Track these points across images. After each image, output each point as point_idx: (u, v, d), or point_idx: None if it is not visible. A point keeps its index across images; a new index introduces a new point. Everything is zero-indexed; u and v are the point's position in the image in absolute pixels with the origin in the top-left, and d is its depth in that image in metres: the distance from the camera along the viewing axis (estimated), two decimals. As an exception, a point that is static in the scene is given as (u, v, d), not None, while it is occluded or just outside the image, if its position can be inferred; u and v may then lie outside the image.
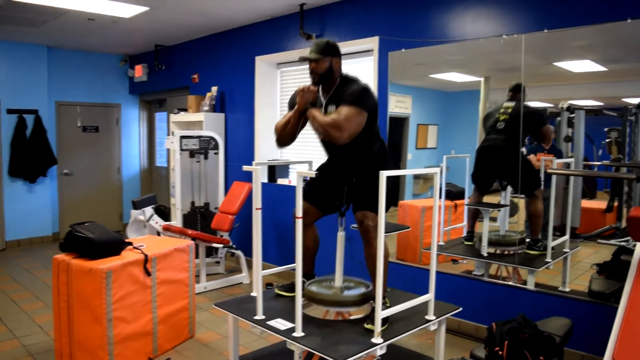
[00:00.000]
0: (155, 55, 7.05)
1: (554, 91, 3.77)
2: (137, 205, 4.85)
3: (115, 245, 3.19)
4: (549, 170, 3.68)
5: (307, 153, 5.48)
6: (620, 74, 3.61)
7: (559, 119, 3.82)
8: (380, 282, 2.51)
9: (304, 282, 3.23)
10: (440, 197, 4.38)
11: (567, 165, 3.85)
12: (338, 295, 3.02)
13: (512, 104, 3.88)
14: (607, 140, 3.74)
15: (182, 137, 5.30)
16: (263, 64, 5.62)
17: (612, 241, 3.83)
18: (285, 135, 2.94)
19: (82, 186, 7.67)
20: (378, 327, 2.56)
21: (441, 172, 2.87)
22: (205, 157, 5.57)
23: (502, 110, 3.92)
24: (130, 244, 3.34)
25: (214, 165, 5.67)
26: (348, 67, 4.97)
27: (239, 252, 5.23)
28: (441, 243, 4.42)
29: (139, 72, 7.38)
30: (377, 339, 2.56)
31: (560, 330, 2.87)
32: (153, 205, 5.01)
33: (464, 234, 4.41)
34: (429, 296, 2.90)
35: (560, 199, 3.91)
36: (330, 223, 3.22)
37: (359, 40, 4.55)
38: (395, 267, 4.27)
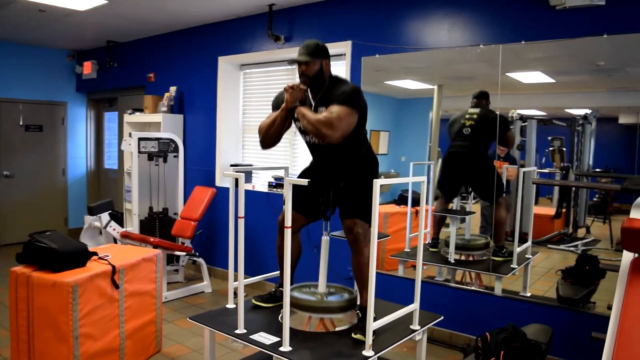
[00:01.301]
0: (107, 51, 6.70)
1: (504, 100, 3.82)
2: (93, 210, 4.56)
3: (80, 255, 2.95)
4: (533, 180, 3.74)
5: (272, 158, 5.35)
6: (567, 86, 3.77)
7: (511, 127, 3.90)
8: (372, 293, 2.44)
9: (282, 293, 3.14)
10: (406, 204, 4.40)
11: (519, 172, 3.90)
12: (323, 302, 2.93)
13: (476, 110, 3.94)
14: (551, 148, 3.90)
15: (141, 139, 5.04)
16: (226, 64, 5.44)
17: (562, 246, 3.98)
18: (271, 135, 2.81)
19: (25, 189, 7.17)
20: (369, 339, 2.48)
21: (428, 180, 2.90)
22: (165, 161, 5.33)
23: (467, 117, 3.96)
24: (95, 254, 3.11)
25: (174, 169, 5.44)
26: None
27: (200, 260, 5.03)
28: (407, 250, 4.41)
29: (88, 69, 7.00)
30: (368, 352, 2.48)
31: (544, 338, 2.90)
32: (109, 211, 4.72)
33: (428, 241, 4.41)
34: (414, 306, 2.86)
35: (513, 206, 3.97)
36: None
37: (330, 44, 4.39)
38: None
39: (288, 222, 2.44)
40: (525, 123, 3.93)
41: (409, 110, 4.65)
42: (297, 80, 2.83)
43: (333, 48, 4.46)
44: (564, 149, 3.87)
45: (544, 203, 4.07)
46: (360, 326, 2.69)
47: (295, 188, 2.86)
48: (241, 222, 2.72)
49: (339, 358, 2.44)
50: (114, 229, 4.68)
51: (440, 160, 4.32)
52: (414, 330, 2.83)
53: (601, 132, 3.65)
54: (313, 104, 2.78)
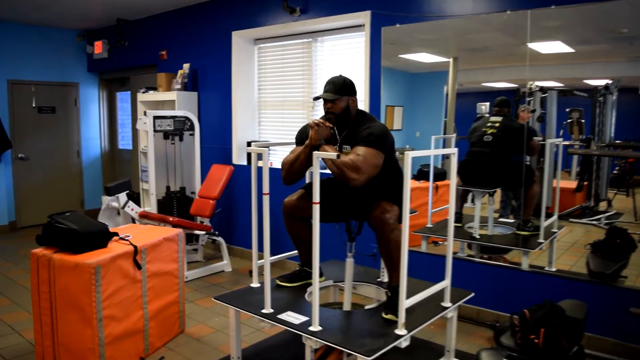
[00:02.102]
0: (117, 30, 6.57)
1: (520, 72, 3.73)
2: (111, 191, 4.49)
3: (101, 236, 2.89)
4: (569, 150, 3.61)
5: (289, 133, 5.24)
6: (586, 55, 3.64)
7: (529, 99, 3.79)
8: (404, 270, 2.34)
9: (307, 272, 3.07)
10: (426, 179, 4.31)
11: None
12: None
13: (499, 118, 3.89)
14: (569, 120, 3.80)
15: (156, 118, 4.94)
16: (240, 39, 5.30)
17: (584, 220, 3.92)
18: (295, 172, 2.73)
19: (40, 171, 7.14)
20: (402, 318, 2.40)
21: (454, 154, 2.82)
22: (180, 139, 5.24)
23: (489, 124, 3.91)
24: (116, 234, 3.04)
25: (190, 147, 5.35)
26: (337, 44, 4.82)
27: (220, 239, 4.97)
28: (430, 225, 4.31)
29: (99, 48, 6.89)
30: (401, 330, 2.40)
31: (580, 314, 2.80)
32: (127, 191, 4.65)
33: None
34: (445, 283, 2.77)
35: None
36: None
37: (348, 15, 4.31)
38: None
39: (316, 197, 2.33)
40: (546, 94, 3.80)
41: (423, 85, 4.55)
42: (319, 114, 2.72)
43: (351, 19, 4.36)
44: (583, 121, 3.79)
45: (562, 176, 3.94)
46: (391, 305, 2.62)
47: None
48: (266, 199, 2.63)
49: (371, 337, 2.36)
50: (132, 209, 4.62)
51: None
52: (445, 308, 2.75)
53: (621, 103, 3.55)
54: (339, 140, 2.71)
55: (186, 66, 5.67)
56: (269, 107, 5.48)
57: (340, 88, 2.66)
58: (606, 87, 3.62)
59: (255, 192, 2.83)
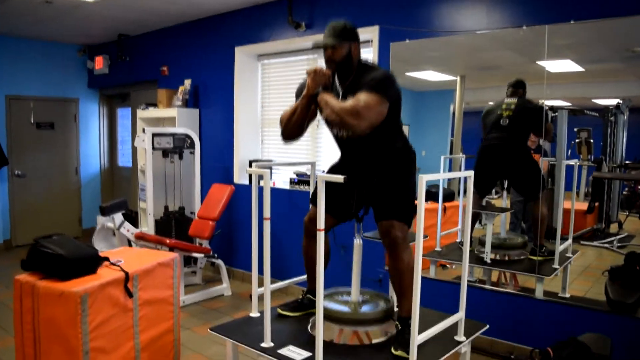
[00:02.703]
0: (119, 45, 6.46)
1: (528, 91, 3.68)
2: (106, 211, 4.32)
3: (90, 261, 2.69)
4: (594, 174, 3.45)
5: (294, 153, 5.08)
6: (595, 74, 3.58)
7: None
8: (417, 303, 2.15)
9: (311, 301, 2.88)
10: (434, 200, 4.14)
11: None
12: (357, 312, 2.64)
13: (514, 100, 3.69)
14: (577, 140, 3.70)
15: (155, 135, 4.79)
16: (243, 55, 5.17)
17: (595, 242, 3.79)
18: (292, 126, 2.53)
19: (37, 188, 6.96)
20: (414, 356, 2.19)
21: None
22: (180, 157, 5.07)
23: (504, 107, 3.70)
24: (106, 259, 2.85)
25: (190, 165, 5.18)
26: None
27: (219, 262, 4.77)
28: (438, 249, 4.12)
29: (100, 63, 6.76)
30: (412, 370, 2.20)
31: (604, 349, 2.60)
32: (123, 211, 4.48)
33: (459, 239, 4.14)
34: (460, 315, 2.56)
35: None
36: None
37: (355, 30, 4.16)
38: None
39: (321, 223, 2.15)
40: (556, 114, 3.67)
41: (429, 103, 4.44)
42: (321, 65, 2.53)
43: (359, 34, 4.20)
44: (591, 141, 3.70)
45: (569, 197, 3.79)
46: (400, 340, 2.42)
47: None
48: (267, 224, 2.44)
49: (381, 377, 2.16)
50: (128, 230, 4.43)
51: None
52: (459, 342, 2.54)
53: (631, 123, 3.49)
54: (341, 92, 2.49)
55: (187, 82, 5.54)
56: (272, 125, 5.32)
57: (341, 33, 2.42)
58: (617, 106, 3.54)
59: (255, 215, 2.66)
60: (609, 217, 3.83)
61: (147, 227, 4.91)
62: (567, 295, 3.52)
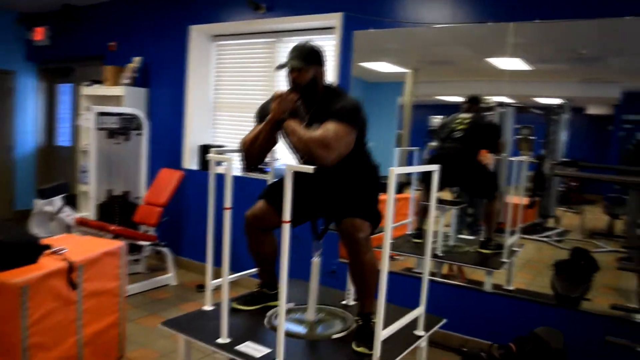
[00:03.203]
0: (63, 15, 6.03)
1: (476, 87, 3.78)
2: (45, 193, 4.02)
3: (31, 250, 2.48)
4: (556, 171, 3.51)
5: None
6: (541, 74, 3.68)
7: (487, 114, 3.76)
8: (382, 301, 2.09)
9: (266, 294, 2.78)
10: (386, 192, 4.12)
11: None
12: (313, 334, 2.56)
13: (469, 115, 3.77)
14: (518, 137, 3.78)
15: (100, 114, 4.51)
16: (198, 34, 4.95)
17: (535, 236, 3.90)
18: (254, 152, 2.39)
19: (-36, 167, 6.48)
20: (377, 352, 2.14)
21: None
22: (127, 139, 4.81)
23: (458, 121, 3.79)
24: (48, 247, 2.63)
25: (136, 148, 4.92)
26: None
27: (165, 250, 4.57)
28: (390, 241, 4.10)
29: (40, 34, 6.31)
30: (377, 367, 2.15)
31: (559, 343, 2.64)
32: (63, 195, 4.19)
33: (409, 231, 4.16)
34: (420, 310, 2.54)
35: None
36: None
37: (318, 16, 4.06)
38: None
39: (287, 215, 2.04)
40: (504, 110, 3.75)
41: (377, 95, 4.36)
42: (283, 87, 2.42)
43: (321, 20, 4.10)
44: (532, 138, 3.79)
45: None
46: (362, 335, 2.36)
47: (278, 185, 2.46)
48: (227, 214, 2.31)
49: (344, 376, 2.10)
50: (68, 215, 4.16)
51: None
52: (419, 337, 2.52)
53: (571, 123, 3.60)
54: (306, 118, 2.38)
55: (137, 60, 5.25)
56: (225, 109, 5.14)
57: (307, 56, 2.33)
58: (561, 106, 3.65)
59: (212, 204, 2.51)
60: (547, 212, 3.95)
61: (89, 211, 4.64)
62: (512, 288, 3.60)
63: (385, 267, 2.09)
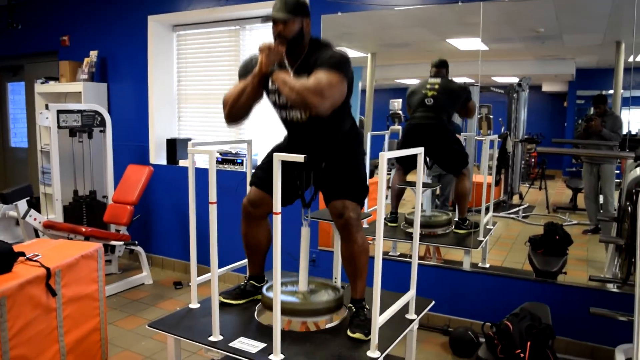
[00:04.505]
0: (8, 10, 5.69)
1: None
2: (8, 198, 3.82)
3: (5, 258, 2.35)
4: (538, 149, 3.57)
5: (213, 129, 4.82)
6: (497, 54, 3.73)
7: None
8: (378, 286, 2.08)
9: (254, 287, 2.74)
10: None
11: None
12: (306, 303, 2.53)
13: (437, 80, 3.72)
14: (478, 116, 3.84)
15: (60, 112, 4.31)
16: (157, 25, 4.78)
17: (502, 214, 4.04)
18: (240, 108, 2.31)
19: None
20: (375, 339, 2.14)
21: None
22: (89, 136, 4.62)
23: (428, 87, 3.73)
24: (22, 254, 2.50)
25: (100, 145, 4.74)
26: (267, 32, 4.37)
27: (139, 249, 4.44)
28: (365, 225, 4.11)
29: (-15, 32, 5.98)
30: (374, 352, 2.14)
31: (546, 317, 2.70)
32: (27, 198, 4.00)
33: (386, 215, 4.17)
34: (411, 293, 2.55)
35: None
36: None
37: (283, 0, 3.96)
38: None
39: (277, 206, 2.00)
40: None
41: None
42: (267, 41, 2.35)
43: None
44: (491, 117, 3.85)
45: (474, 171, 3.99)
46: (356, 322, 2.35)
47: (267, 166, 2.42)
48: (213, 209, 2.24)
49: (343, 364, 2.08)
50: (35, 219, 3.98)
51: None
52: (411, 320, 2.53)
53: (530, 100, 3.70)
54: (291, 72, 2.31)
55: (93, 54, 5.05)
56: (190, 101, 5.01)
57: (294, 7, 2.24)
58: (519, 84, 3.71)
59: (193, 199, 2.44)
60: (512, 189, 4.04)
61: (55, 214, 4.46)
62: (487, 266, 3.66)
63: (379, 252, 2.07)
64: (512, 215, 3.94)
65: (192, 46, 4.90)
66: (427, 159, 3.93)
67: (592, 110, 3.48)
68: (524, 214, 3.89)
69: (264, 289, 2.60)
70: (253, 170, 2.67)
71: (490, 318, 2.82)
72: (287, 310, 2.41)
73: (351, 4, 3.72)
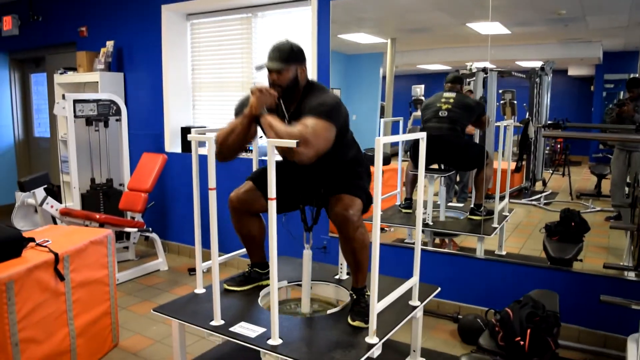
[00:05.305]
0: (29, 3, 5.84)
1: (456, 53, 3.81)
2: (26, 186, 3.92)
3: (14, 243, 2.42)
4: (544, 133, 3.50)
5: (227, 117, 4.84)
6: (520, 37, 3.64)
7: (470, 80, 3.78)
8: (375, 273, 2.07)
9: (258, 274, 2.77)
10: (372, 164, 4.09)
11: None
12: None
13: (452, 94, 3.78)
14: (502, 102, 3.79)
15: (76, 102, 4.39)
16: (171, 14, 4.81)
17: (523, 200, 3.95)
18: (229, 146, 2.34)
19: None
20: (373, 325, 2.14)
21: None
22: (106, 125, 4.70)
23: (443, 100, 3.78)
24: (32, 240, 2.57)
25: (116, 134, 4.82)
26: (279, 19, 4.44)
27: (154, 235, 4.52)
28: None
29: (8, 24, 6.10)
30: (372, 339, 2.15)
31: (553, 305, 2.66)
32: (45, 186, 4.10)
33: (399, 202, 4.16)
34: (414, 280, 2.54)
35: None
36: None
37: (293, -14, 3.96)
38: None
39: (272, 192, 2.00)
40: (486, 75, 3.72)
41: (358, 67, 4.34)
42: (263, 82, 2.36)
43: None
44: (515, 102, 3.80)
45: (497, 158, 3.90)
46: (357, 310, 2.36)
47: (264, 170, 2.42)
48: (213, 195, 2.26)
49: (340, 349, 2.09)
50: (52, 206, 4.07)
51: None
52: (415, 307, 2.52)
53: (553, 84, 3.59)
54: (287, 116, 2.33)
55: (110, 44, 5.11)
56: (204, 89, 5.04)
57: (288, 56, 2.28)
58: (542, 68, 3.62)
59: (197, 186, 2.47)
60: (534, 176, 3.96)
61: (73, 202, 4.56)
62: (504, 253, 3.60)
63: (376, 239, 2.07)
64: (533, 202, 3.87)
65: (205, 34, 4.92)
66: (442, 165, 3.95)
67: (622, 95, 3.38)
68: (546, 201, 3.81)
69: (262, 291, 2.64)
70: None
71: (501, 306, 2.79)
72: None
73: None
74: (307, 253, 2.61)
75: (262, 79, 2.44)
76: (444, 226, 3.92)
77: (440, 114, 3.74)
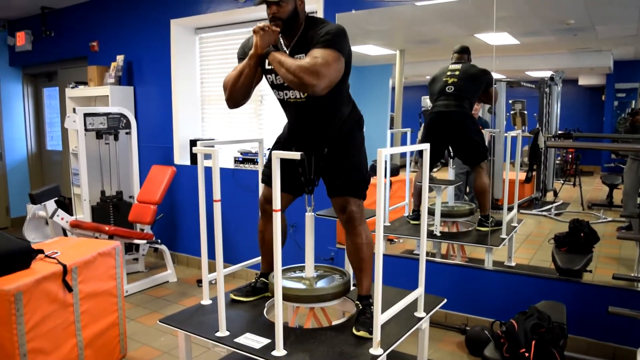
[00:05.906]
0: (42, 19, 5.96)
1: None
2: (36, 198, 3.98)
3: (22, 255, 2.45)
4: (548, 143, 3.48)
5: (236, 130, 4.89)
6: (529, 48, 3.64)
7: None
8: (379, 281, 2.07)
9: (266, 283, 2.77)
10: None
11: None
12: (313, 289, 2.54)
13: (458, 66, 3.66)
14: (512, 112, 3.80)
15: (87, 115, 4.46)
16: (180, 28, 4.88)
17: (534, 211, 3.94)
18: (239, 89, 2.30)
19: (-44, 177, 6.43)
20: (377, 336, 2.14)
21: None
22: (115, 138, 4.76)
23: (449, 73, 3.67)
24: (41, 251, 2.61)
25: (126, 147, 4.88)
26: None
27: (163, 247, 4.55)
28: (387, 224, 4.09)
29: (22, 40, 6.24)
30: (376, 350, 2.14)
31: (560, 316, 2.63)
32: (55, 198, 4.16)
33: (407, 213, 4.15)
34: (420, 291, 2.53)
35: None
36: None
37: (298, 0, 3.99)
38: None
39: (277, 203, 2.02)
40: (495, 85, 3.70)
41: (368, 79, 4.32)
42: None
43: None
44: (525, 112, 3.81)
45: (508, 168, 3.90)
46: (362, 320, 2.35)
47: (269, 163, 2.44)
48: (217, 207, 2.28)
49: (344, 360, 2.09)
50: (62, 219, 4.13)
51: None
52: (420, 318, 2.51)
53: (563, 94, 3.59)
54: (287, 52, 2.30)
55: (120, 58, 5.19)
56: (213, 102, 5.09)
57: None
58: (552, 78, 3.61)
59: (203, 198, 2.49)
60: (545, 186, 3.94)
61: (83, 214, 4.61)
62: (513, 264, 3.58)
63: (379, 248, 2.07)
64: (544, 213, 3.85)
65: (213, 48, 4.98)
66: (449, 149, 3.87)
67: (634, 104, 3.36)
68: (557, 211, 3.79)
69: (270, 276, 2.63)
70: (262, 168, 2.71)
71: (509, 317, 2.77)
72: (292, 296, 2.45)
73: (363, 1, 3.71)
74: (310, 216, 2.59)
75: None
76: (453, 237, 3.87)
77: (447, 89, 3.64)
